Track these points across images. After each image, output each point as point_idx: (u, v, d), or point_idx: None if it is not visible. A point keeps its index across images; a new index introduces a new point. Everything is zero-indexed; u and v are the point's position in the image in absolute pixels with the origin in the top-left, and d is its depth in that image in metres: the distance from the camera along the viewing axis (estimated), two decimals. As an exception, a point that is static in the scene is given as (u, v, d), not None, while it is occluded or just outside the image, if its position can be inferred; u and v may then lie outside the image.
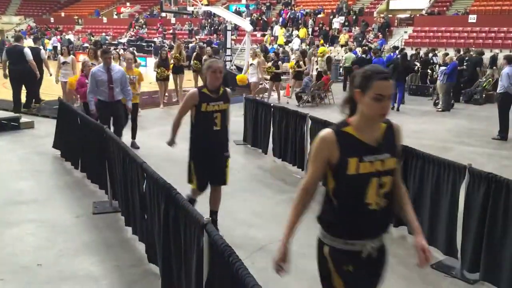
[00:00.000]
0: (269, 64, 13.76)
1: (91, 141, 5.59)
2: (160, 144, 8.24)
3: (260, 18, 29.66)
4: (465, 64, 15.07)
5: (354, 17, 26.42)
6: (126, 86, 6.83)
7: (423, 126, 10.50)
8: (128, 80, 7.18)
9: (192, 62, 13.87)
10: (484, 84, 14.56)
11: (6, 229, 4.64)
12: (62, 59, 11.11)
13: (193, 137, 4.29)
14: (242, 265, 2.18)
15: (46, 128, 9.14)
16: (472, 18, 23.12)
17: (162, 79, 11.93)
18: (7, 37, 32.24)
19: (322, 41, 24.02)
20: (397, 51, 16.30)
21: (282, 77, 15.64)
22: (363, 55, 15.58)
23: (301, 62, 14.36)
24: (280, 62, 14.25)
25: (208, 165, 4.33)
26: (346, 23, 26.28)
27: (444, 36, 23.15)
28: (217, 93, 4.22)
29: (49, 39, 30.95)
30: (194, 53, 14.35)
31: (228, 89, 4.46)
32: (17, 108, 10.36)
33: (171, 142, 4.44)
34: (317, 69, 15.50)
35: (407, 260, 4.20)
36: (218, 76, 4.16)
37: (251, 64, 13.01)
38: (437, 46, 20.90)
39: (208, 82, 4.18)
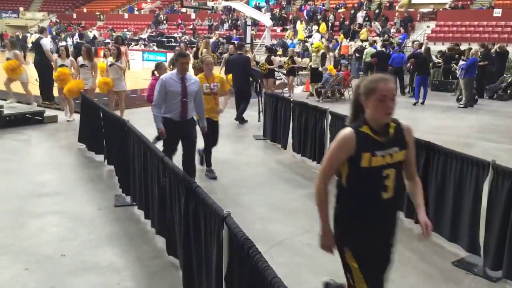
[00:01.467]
0: (283, 59, 13.65)
1: (113, 134, 5.67)
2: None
3: (280, 13, 29.55)
4: (494, 57, 14.75)
5: (377, 10, 26.05)
6: (201, 100, 5.42)
7: (445, 122, 10.33)
8: (208, 89, 6.06)
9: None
10: (510, 80, 14.23)
11: (30, 220, 4.76)
12: (59, 61, 9.69)
13: (345, 212, 2.56)
14: (262, 257, 2.19)
15: (69, 122, 9.32)
16: (497, 12, 22.57)
17: None
18: (30, 32, 32.88)
19: (342, 36, 23.79)
20: (422, 47, 15.98)
21: (300, 73, 15.58)
22: (383, 49, 15.41)
23: (295, 58, 14.20)
24: (273, 57, 13.76)
25: (379, 262, 2.65)
26: (367, 18, 25.97)
27: (468, 30, 22.66)
28: (386, 133, 2.49)
29: (72, 35, 31.41)
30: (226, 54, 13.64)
31: (405, 125, 2.62)
32: (42, 97, 10.93)
33: (326, 243, 2.61)
34: (310, 65, 14.36)
35: (428, 257, 4.16)
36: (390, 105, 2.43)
37: None
38: (460, 41, 20.47)
39: (372, 113, 2.43)
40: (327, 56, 14.06)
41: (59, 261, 3.93)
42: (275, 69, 13.58)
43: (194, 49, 13.27)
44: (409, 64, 14.24)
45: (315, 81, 13.72)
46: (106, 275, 3.73)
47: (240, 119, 9.77)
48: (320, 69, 13.67)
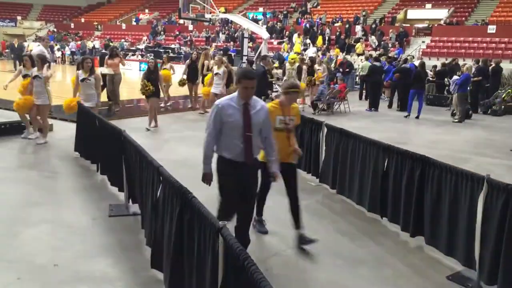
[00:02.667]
0: (279, 71, 13.32)
1: (110, 143, 5.66)
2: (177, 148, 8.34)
3: (276, 26, 29.80)
4: (490, 73, 14.92)
5: (373, 25, 26.34)
6: (270, 134, 4.03)
7: (440, 136, 10.38)
8: (282, 123, 4.50)
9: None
10: (504, 95, 14.37)
11: (24, 229, 4.72)
12: (23, 71, 8.90)
13: None
14: (257, 269, 2.18)
15: (65, 131, 9.29)
16: (492, 29, 22.89)
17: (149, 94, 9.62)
18: (26, 40, 32.92)
19: (337, 50, 24.00)
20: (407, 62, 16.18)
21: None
22: (376, 63, 15.59)
23: (273, 71, 13.59)
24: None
25: None
26: (363, 33, 26.24)
27: (462, 46, 22.95)
28: None
29: (66, 45, 31.53)
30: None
31: None
32: None
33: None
34: (281, 79, 12.63)
35: (423, 270, 4.15)
36: None
37: (216, 74, 11.16)
38: (455, 56, 20.70)
39: None
40: (303, 69, 13.38)
41: (52, 270, 3.89)
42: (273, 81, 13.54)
43: (188, 61, 13.08)
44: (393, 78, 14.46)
45: None
46: (99, 286, 3.70)
47: None
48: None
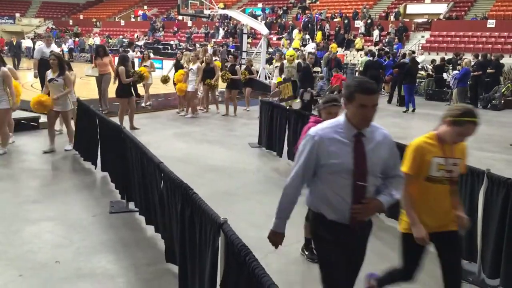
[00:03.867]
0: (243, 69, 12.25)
1: (110, 140, 5.66)
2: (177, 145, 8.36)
3: (276, 21, 29.74)
4: (490, 68, 14.92)
5: (369, 21, 26.29)
6: (399, 172, 2.76)
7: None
8: (442, 170, 2.92)
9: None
10: (503, 90, 14.36)
11: (25, 226, 4.72)
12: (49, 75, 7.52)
13: None
14: (258, 264, 2.19)
15: (65, 128, 9.28)
16: (491, 23, 22.84)
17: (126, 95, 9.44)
18: (25, 38, 32.82)
19: (335, 46, 23.95)
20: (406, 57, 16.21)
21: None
22: (370, 58, 15.64)
23: (252, 68, 12.45)
24: (237, 67, 11.94)
25: None
26: (365, 28, 26.19)
27: (462, 41, 22.90)
28: None
29: (64, 42, 31.42)
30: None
31: None
32: None
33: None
34: (284, 78, 11.17)
35: (424, 265, 4.15)
36: None
37: (190, 69, 11.04)
38: (454, 51, 20.68)
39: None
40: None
41: (53, 267, 3.90)
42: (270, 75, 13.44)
43: (174, 61, 12.39)
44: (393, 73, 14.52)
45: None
46: (101, 282, 3.70)
47: None
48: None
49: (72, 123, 7.82)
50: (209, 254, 2.71)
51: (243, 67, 12.78)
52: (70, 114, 7.71)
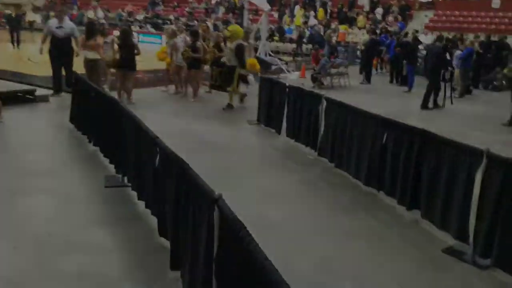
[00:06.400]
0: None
1: (105, 114, 5.60)
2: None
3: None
4: (493, 48, 14.79)
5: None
6: None
7: (440, 112, 10.32)
8: None
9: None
10: (505, 71, 14.23)
11: (19, 199, 4.71)
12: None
13: None
14: (253, 240, 2.17)
15: (61, 102, 9.19)
16: (496, 4, 22.50)
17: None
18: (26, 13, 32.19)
19: (336, 24, 23.57)
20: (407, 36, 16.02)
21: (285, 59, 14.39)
22: (373, 36, 15.46)
23: (222, 44, 10.60)
24: (199, 44, 9.92)
25: None
26: (370, 5, 25.77)
27: (466, 21, 22.60)
28: None
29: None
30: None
31: None
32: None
33: None
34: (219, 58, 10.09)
35: (419, 244, 4.17)
36: None
37: (167, 43, 10.58)
38: (458, 31, 20.41)
39: None
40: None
41: (47, 240, 3.90)
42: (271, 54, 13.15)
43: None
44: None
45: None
46: (95, 255, 3.70)
47: None
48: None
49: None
50: (205, 228, 2.70)
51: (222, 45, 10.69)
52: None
